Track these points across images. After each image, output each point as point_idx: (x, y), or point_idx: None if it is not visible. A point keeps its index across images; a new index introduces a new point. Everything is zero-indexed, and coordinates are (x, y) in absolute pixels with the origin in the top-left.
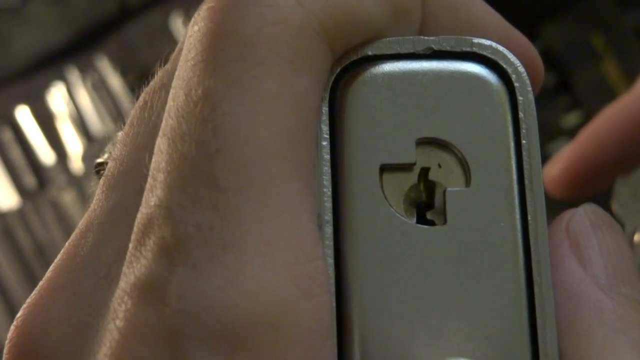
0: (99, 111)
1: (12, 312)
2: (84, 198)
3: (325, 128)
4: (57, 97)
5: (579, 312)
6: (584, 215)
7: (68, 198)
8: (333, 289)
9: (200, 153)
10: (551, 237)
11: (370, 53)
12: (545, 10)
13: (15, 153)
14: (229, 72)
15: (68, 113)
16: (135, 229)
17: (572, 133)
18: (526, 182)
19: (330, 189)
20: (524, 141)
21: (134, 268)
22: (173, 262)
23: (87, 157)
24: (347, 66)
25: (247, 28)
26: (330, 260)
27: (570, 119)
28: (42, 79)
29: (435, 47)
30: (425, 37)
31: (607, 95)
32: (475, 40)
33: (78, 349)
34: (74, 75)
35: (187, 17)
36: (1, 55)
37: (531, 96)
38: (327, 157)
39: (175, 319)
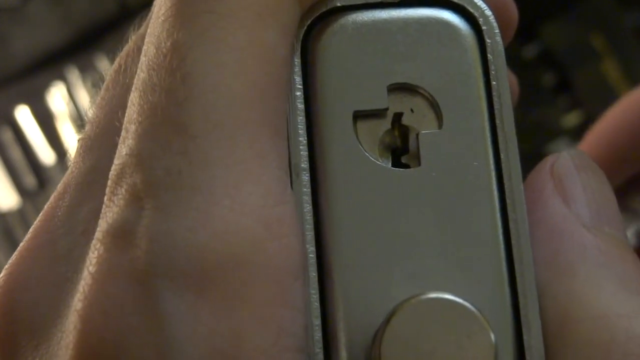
0: None
1: None
2: None
3: (298, 79)
4: (57, 97)
5: (562, 249)
6: (568, 158)
7: None
8: (311, 234)
9: (169, 101)
10: (536, 178)
11: (339, 4)
12: (545, 10)
13: (15, 153)
14: (198, 25)
15: (68, 113)
16: (109, 181)
17: (572, 133)
18: (497, 121)
19: (306, 138)
20: (493, 82)
21: (106, 217)
22: (142, 206)
23: None
24: (317, 18)
25: None
26: (308, 207)
27: (570, 119)
28: (42, 79)
29: None
30: None
31: (607, 95)
32: None
33: (57, 302)
34: (74, 75)
35: None
36: (1, 55)
37: (499, 39)
38: (301, 106)
39: (145, 260)
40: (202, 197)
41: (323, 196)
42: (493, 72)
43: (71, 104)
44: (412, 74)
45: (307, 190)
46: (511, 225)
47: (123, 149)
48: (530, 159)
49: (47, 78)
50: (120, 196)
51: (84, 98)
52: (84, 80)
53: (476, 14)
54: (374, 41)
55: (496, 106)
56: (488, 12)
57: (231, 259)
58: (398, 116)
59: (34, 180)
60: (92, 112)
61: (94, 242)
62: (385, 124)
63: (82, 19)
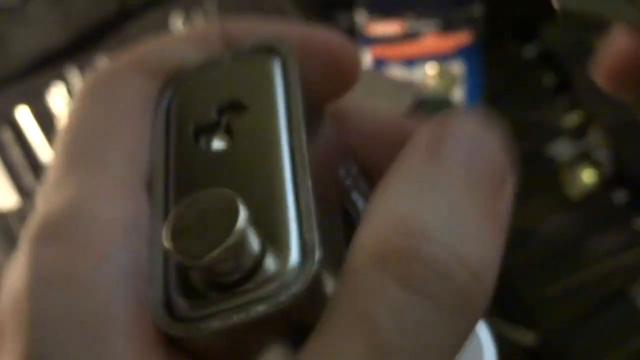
0: None
1: None
2: None
3: (160, 125)
4: (57, 97)
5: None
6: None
7: None
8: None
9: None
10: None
11: (181, 76)
12: (546, 10)
13: (15, 153)
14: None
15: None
16: None
17: (572, 133)
18: (292, 109)
19: (164, 152)
20: (290, 83)
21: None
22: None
23: None
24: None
25: None
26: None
27: (570, 119)
28: (42, 79)
29: (221, 59)
30: (215, 56)
31: (607, 95)
32: (249, 42)
33: None
34: (74, 75)
35: (187, 17)
36: (1, 55)
37: (293, 68)
38: (160, 135)
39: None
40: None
41: (171, 187)
42: (290, 77)
43: (71, 104)
44: (231, 94)
45: (160, 184)
46: (299, 171)
47: None
48: (530, 159)
49: (47, 78)
50: None
51: None
52: (84, 80)
53: (277, 49)
54: (202, 83)
55: (290, 98)
56: (282, 46)
57: (73, 219)
58: (227, 125)
59: (34, 180)
60: None
61: None
62: (219, 131)
63: (82, 19)
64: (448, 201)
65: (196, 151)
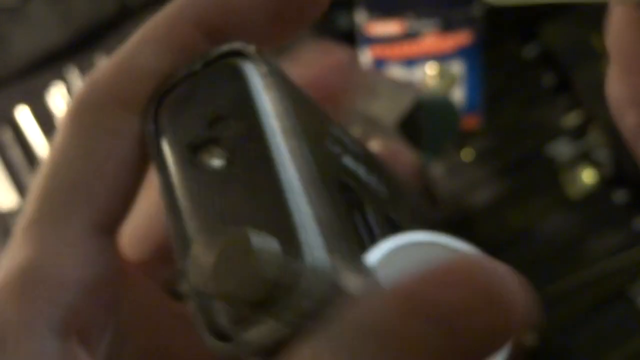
0: None
1: None
2: None
3: (154, 150)
4: (57, 97)
5: None
6: None
7: None
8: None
9: (29, 197)
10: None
11: (161, 92)
12: (545, 10)
13: (15, 153)
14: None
15: None
16: None
17: (572, 133)
18: (278, 112)
19: (166, 186)
20: (268, 85)
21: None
22: None
23: None
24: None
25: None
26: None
27: (570, 119)
28: (42, 79)
29: (194, 69)
30: (186, 65)
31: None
32: (216, 48)
33: None
34: (74, 75)
35: None
36: (1, 55)
37: (265, 66)
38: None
39: None
40: None
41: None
42: (268, 84)
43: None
44: (214, 107)
45: (174, 216)
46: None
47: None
48: (530, 159)
49: (47, 78)
50: None
51: None
52: (84, 81)
53: (246, 53)
54: (188, 99)
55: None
56: (251, 50)
57: (28, 279)
58: (217, 139)
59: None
60: None
61: None
62: (212, 144)
63: (82, 19)
64: None
65: (197, 172)
